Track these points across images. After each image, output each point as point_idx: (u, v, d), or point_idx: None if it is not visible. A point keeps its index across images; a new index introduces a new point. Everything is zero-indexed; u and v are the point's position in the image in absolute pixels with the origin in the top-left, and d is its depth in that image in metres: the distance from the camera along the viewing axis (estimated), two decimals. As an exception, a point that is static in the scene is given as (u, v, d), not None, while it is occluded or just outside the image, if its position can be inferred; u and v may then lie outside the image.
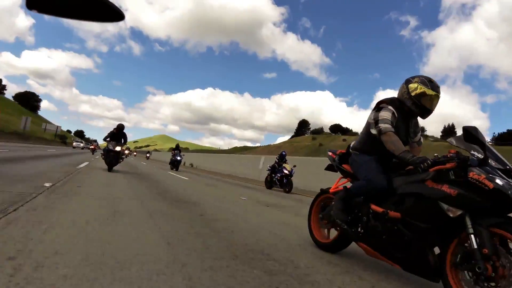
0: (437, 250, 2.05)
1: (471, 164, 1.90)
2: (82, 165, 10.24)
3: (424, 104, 2.40)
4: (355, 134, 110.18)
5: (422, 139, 2.81)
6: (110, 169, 9.20)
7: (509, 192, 1.74)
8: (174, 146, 17.98)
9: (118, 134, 9.77)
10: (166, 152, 52.09)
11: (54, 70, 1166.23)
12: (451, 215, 1.89)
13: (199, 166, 24.69)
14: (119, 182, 6.73)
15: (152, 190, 6.07)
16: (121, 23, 0.97)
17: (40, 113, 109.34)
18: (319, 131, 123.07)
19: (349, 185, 2.70)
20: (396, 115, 2.49)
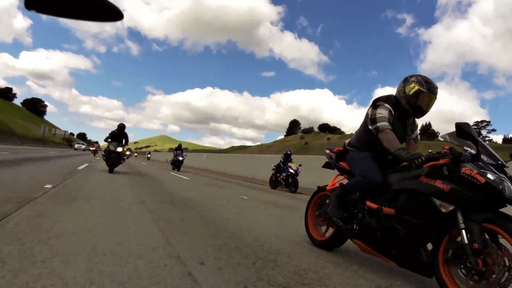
0: (430, 246, 2.07)
1: (464, 160, 1.92)
2: (82, 167, 10.08)
3: (418, 104, 2.42)
4: (342, 133, 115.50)
5: (419, 136, 2.84)
6: (111, 171, 9.01)
7: (500, 186, 1.76)
8: (173, 147, 17.93)
9: (119, 135, 9.57)
10: (166, 153, 52.14)
11: (53, 71, 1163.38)
12: (443, 211, 1.92)
13: (196, 166, 24.71)
14: (121, 184, 6.49)
15: (156, 193, 5.83)
16: (118, 23, 0.97)
17: (26, 106, 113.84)
18: (308, 131, 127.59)
19: (345, 182, 2.72)
20: (393, 113, 2.51)
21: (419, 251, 2.05)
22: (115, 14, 0.92)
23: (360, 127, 2.77)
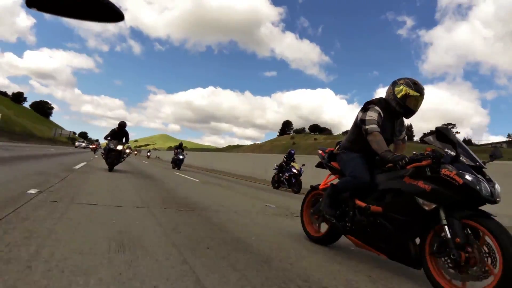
0: (418, 240, 2.21)
1: (444, 161, 2.06)
2: (80, 165, 9.84)
3: (408, 105, 2.56)
4: (330, 133, 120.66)
5: (406, 137, 2.97)
6: (111, 169, 8.86)
7: (478, 187, 1.90)
8: (173, 145, 17.93)
9: (119, 133, 9.37)
10: (166, 151, 52.31)
11: (55, 70, 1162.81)
12: (426, 209, 2.06)
13: (193, 164, 24.88)
14: (122, 184, 6.10)
15: (161, 194, 5.37)
16: (121, 23, 0.96)
17: (33, 108, 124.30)
18: (300, 131, 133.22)
19: (336, 181, 2.86)
20: (382, 115, 2.64)
21: (407, 245, 2.19)
22: (116, 15, 0.92)
23: (351, 129, 2.90)
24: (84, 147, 52.06)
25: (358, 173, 2.58)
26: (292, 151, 11.38)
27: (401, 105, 2.58)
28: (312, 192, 3.26)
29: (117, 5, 0.90)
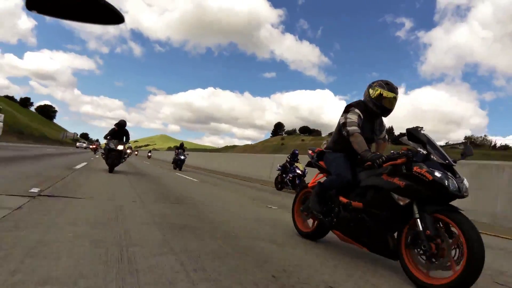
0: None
1: (417, 160, 2.24)
2: (80, 165, 9.71)
3: (383, 104, 2.76)
4: (320, 134, 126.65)
5: (387, 136, 3.16)
6: (111, 170, 8.54)
7: (446, 182, 2.08)
8: (172, 146, 17.85)
9: (119, 132, 9.02)
10: (166, 151, 52.50)
11: (56, 71, 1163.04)
12: (401, 204, 2.24)
13: (193, 165, 25.04)
14: (123, 188, 5.62)
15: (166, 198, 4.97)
16: (121, 25, 0.96)
17: (39, 112, 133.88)
18: (291, 132, 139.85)
19: (324, 180, 3.04)
20: (362, 116, 2.83)
21: (386, 238, 2.37)
22: (116, 17, 0.92)
23: (335, 130, 3.09)
24: (85, 148, 55.18)
25: (342, 171, 2.77)
26: (296, 151, 10.92)
27: (377, 105, 2.78)
28: (303, 190, 3.44)
29: (117, 7, 0.90)
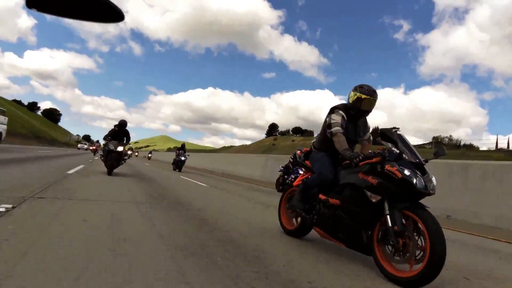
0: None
1: (390, 159, 2.37)
2: (77, 168, 9.21)
3: (361, 107, 2.90)
4: (312, 134, 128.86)
5: (371, 137, 3.29)
6: (110, 173, 8.10)
7: (415, 181, 2.20)
8: (172, 147, 17.61)
9: (119, 132, 8.59)
10: (166, 152, 52.67)
11: (56, 71, 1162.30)
12: (373, 201, 2.36)
13: (192, 165, 25.12)
14: (122, 193, 5.14)
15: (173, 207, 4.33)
16: (121, 24, 1.05)
17: (44, 115, 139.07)
18: (284, 133, 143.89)
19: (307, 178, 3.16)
20: (346, 118, 2.96)
21: (361, 234, 2.49)
22: (116, 15, 0.91)
23: (321, 130, 3.22)
24: (86, 149, 56.34)
25: (324, 170, 2.90)
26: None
27: (355, 107, 2.93)
28: (289, 189, 3.56)
29: (117, 5, 0.90)
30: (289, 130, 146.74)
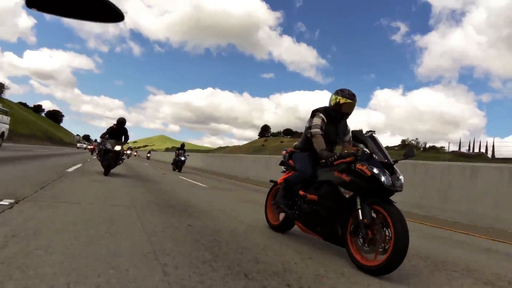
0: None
1: (361, 158, 2.58)
2: (74, 167, 9.03)
3: (341, 109, 3.12)
4: (299, 136, 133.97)
5: (351, 139, 3.50)
6: (106, 173, 7.70)
7: (382, 178, 2.41)
8: (171, 147, 17.54)
9: (118, 131, 8.25)
10: (165, 153, 52.80)
11: (55, 70, 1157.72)
12: (346, 196, 2.57)
13: (192, 165, 25.30)
14: (120, 197, 4.70)
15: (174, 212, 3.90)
16: (121, 25, 1.13)
17: (43, 114, 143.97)
18: (276, 134, 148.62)
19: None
20: (326, 120, 3.17)
21: (336, 227, 2.69)
22: (116, 15, 0.92)
23: (303, 132, 3.43)
24: (85, 148, 57.19)
25: (305, 168, 3.11)
26: None
27: (335, 110, 3.14)
28: (275, 186, 3.77)
29: (117, 5, 0.90)
30: (280, 132, 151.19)
